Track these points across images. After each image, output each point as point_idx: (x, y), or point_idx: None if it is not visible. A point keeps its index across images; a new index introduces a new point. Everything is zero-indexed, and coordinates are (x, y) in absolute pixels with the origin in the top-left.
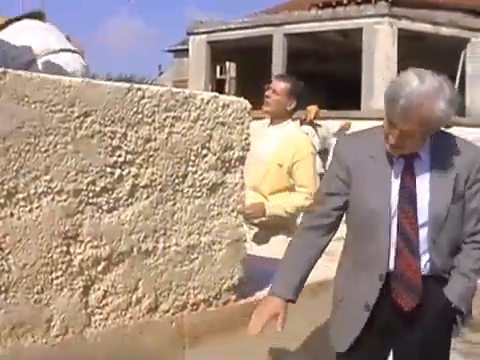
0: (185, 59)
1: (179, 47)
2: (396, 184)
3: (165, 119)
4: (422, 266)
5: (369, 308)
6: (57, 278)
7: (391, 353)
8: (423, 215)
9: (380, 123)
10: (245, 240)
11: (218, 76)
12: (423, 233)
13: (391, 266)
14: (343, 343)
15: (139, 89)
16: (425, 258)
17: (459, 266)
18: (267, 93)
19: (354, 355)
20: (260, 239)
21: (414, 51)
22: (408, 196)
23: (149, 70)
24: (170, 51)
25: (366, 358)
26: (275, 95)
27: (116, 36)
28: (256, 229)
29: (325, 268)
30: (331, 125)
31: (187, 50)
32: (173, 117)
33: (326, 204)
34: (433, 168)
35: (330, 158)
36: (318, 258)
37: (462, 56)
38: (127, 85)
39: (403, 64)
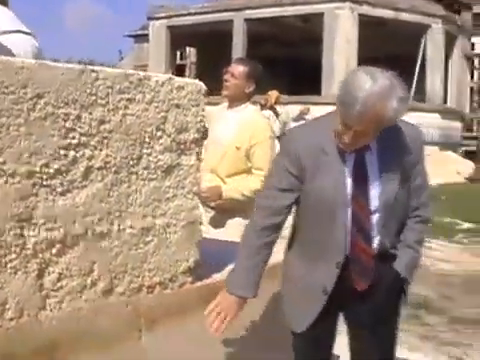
0: (145, 44)
1: (139, 32)
2: (349, 176)
3: (119, 101)
4: (375, 246)
5: (327, 292)
6: (11, 261)
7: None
8: (374, 203)
9: None
10: (201, 222)
11: (178, 61)
12: (374, 219)
13: (347, 252)
14: (301, 324)
15: (93, 71)
16: (376, 241)
17: (405, 240)
18: (225, 77)
19: (311, 334)
20: (217, 222)
21: (375, 36)
22: (360, 187)
23: (110, 55)
24: (130, 36)
25: (322, 335)
26: (233, 79)
27: (77, 21)
28: (212, 212)
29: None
30: (291, 110)
31: (147, 35)
32: (127, 99)
33: (278, 200)
34: (382, 157)
35: None
36: (271, 252)
37: (423, 42)
38: (81, 67)
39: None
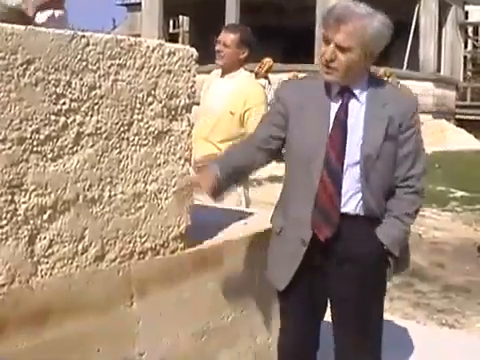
0: (138, 13)
1: (132, 1)
2: (331, 123)
3: (110, 67)
4: (355, 205)
5: (306, 243)
6: (1, 227)
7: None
8: (354, 153)
9: None
10: (192, 188)
11: (171, 30)
12: (355, 171)
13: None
14: (281, 279)
15: (83, 36)
16: (357, 197)
17: (392, 210)
18: (217, 47)
19: (293, 295)
20: None
21: (369, 5)
22: (339, 133)
23: (104, 24)
24: (123, 5)
25: (305, 298)
26: (226, 47)
27: None
28: None
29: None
30: (284, 78)
31: (140, 4)
32: (118, 65)
33: (262, 131)
34: (368, 108)
35: None
36: (252, 168)
37: (416, 10)
38: (71, 32)
39: None
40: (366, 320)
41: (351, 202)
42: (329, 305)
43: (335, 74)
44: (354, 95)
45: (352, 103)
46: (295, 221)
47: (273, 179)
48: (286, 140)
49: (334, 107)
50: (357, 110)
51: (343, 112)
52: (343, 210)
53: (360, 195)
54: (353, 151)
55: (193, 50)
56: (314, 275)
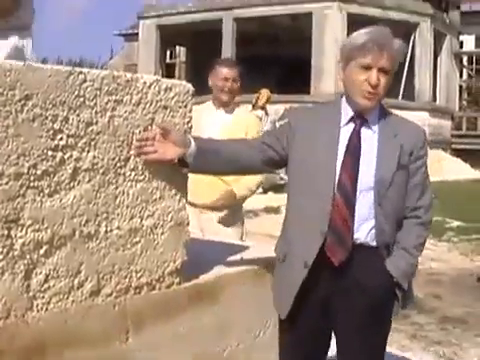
0: (135, 43)
1: (130, 31)
2: (343, 145)
3: (107, 103)
4: (366, 232)
5: (308, 265)
6: None
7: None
8: (368, 179)
9: None
10: (188, 223)
11: (168, 60)
12: (368, 197)
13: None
14: (284, 306)
15: (81, 72)
16: (370, 224)
17: (401, 241)
18: (228, 84)
19: (296, 325)
20: (228, 221)
21: None
22: (352, 158)
23: (102, 54)
24: (120, 35)
25: (306, 329)
26: (235, 83)
27: (68, 18)
28: (222, 213)
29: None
30: (280, 109)
31: (137, 34)
32: (115, 100)
33: (264, 138)
34: (380, 135)
35: None
36: (241, 163)
37: (411, 40)
38: (68, 68)
39: None
40: (372, 355)
41: (363, 228)
42: (333, 337)
43: (376, 98)
44: (366, 122)
45: (364, 130)
46: (300, 245)
47: (269, 210)
48: (291, 165)
49: (345, 133)
50: (369, 137)
51: (356, 138)
52: (355, 235)
53: (373, 222)
54: (366, 177)
55: (189, 86)
56: (319, 305)
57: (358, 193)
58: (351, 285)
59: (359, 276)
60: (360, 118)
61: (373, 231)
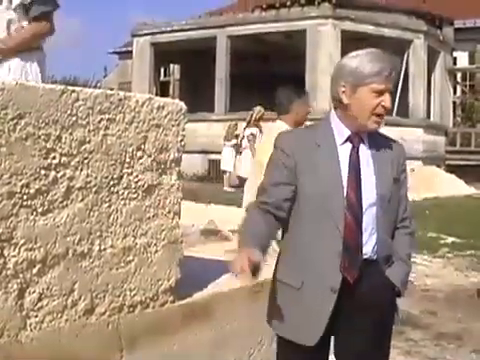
0: (129, 61)
1: (124, 49)
2: (344, 166)
3: (100, 121)
4: (372, 246)
5: (335, 290)
6: None
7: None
8: (371, 194)
9: None
10: (181, 241)
11: (162, 78)
12: (372, 212)
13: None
14: (311, 334)
15: (73, 91)
16: (373, 238)
17: (397, 252)
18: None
19: (305, 348)
20: None
21: None
22: (355, 177)
23: (96, 72)
24: (115, 53)
25: (317, 350)
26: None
27: (63, 37)
28: None
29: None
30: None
31: (131, 52)
32: (108, 119)
33: (274, 195)
34: (374, 154)
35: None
36: (273, 233)
37: (405, 57)
38: (61, 87)
39: None
40: None
41: (369, 244)
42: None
43: (383, 121)
44: (362, 140)
45: (361, 147)
46: (320, 270)
47: None
48: (297, 189)
49: (343, 152)
50: (366, 154)
51: (356, 155)
52: (363, 251)
53: (375, 236)
54: (369, 193)
55: (182, 104)
56: (330, 324)
57: (364, 209)
58: (362, 301)
59: (369, 292)
60: (357, 136)
61: (377, 245)
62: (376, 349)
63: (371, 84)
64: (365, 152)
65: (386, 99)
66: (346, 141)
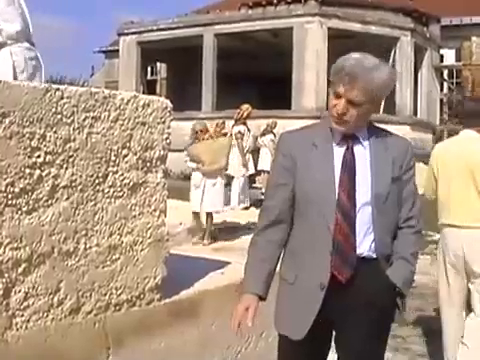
0: (116, 60)
1: (110, 48)
2: (339, 165)
3: (84, 119)
4: (368, 246)
5: (323, 286)
6: None
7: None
8: (365, 195)
9: (311, 122)
10: (167, 239)
11: (149, 77)
12: (366, 212)
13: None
14: (299, 327)
15: (58, 89)
16: (370, 238)
17: (399, 251)
18: None
19: (301, 344)
20: None
21: (344, 50)
22: (348, 176)
23: (82, 71)
24: (101, 52)
25: (312, 347)
26: None
27: (47, 36)
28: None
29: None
30: (262, 124)
31: (118, 51)
32: (92, 117)
33: (275, 198)
34: (372, 152)
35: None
36: (280, 252)
37: (392, 54)
38: (45, 85)
39: (333, 63)
40: None
41: (364, 243)
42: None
43: (347, 125)
44: (358, 140)
45: (356, 147)
46: (312, 267)
47: (252, 226)
48: (296, 192)
49: (338, 152)
50: (362, 153)
51: (350, 155)
52: (358, 250)
53: (372, 236)
54: (363, 193)
55: (167, 102)
56: (327, 323)
57: (357, 209)
58: (359, 300)
59: (366, 291)
60: (351, 136)
61: (374, 244)
62: (373, 347)
63: (333, 84)
64: (363, 152)
65: (338, 104)
66: (342, 141)
